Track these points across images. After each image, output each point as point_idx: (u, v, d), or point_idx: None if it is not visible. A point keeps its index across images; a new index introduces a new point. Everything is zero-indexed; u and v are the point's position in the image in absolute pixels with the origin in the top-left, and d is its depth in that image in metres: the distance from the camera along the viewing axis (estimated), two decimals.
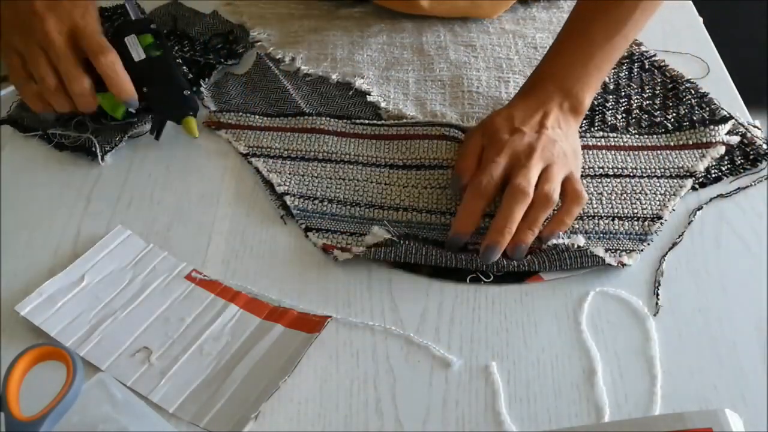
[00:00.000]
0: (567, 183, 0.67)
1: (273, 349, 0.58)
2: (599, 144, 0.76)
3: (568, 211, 0.66)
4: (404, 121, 0.79)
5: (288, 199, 0.70)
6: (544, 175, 0.66)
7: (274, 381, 0.55)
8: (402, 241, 0.65)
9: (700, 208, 0.70)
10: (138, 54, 0.75)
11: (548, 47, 0.75)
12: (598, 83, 0.73)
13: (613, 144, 0.76)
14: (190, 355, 0.58)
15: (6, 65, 0.74)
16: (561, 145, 0.69)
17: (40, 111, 0.74)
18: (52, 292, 0.62)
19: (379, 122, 0.79)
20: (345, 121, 0.79)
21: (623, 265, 0.64)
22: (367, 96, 0.83)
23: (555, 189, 0.66)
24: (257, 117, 0.80)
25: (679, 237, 0.67)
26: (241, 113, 0.80)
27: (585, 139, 0.76)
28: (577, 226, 0.68)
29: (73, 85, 0.71)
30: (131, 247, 0.66)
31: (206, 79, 0.85)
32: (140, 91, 0.74)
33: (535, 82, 0.74)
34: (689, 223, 0.68)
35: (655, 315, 0.61)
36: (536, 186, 0.66)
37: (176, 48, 0.88)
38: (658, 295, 0.63)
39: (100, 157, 0.76)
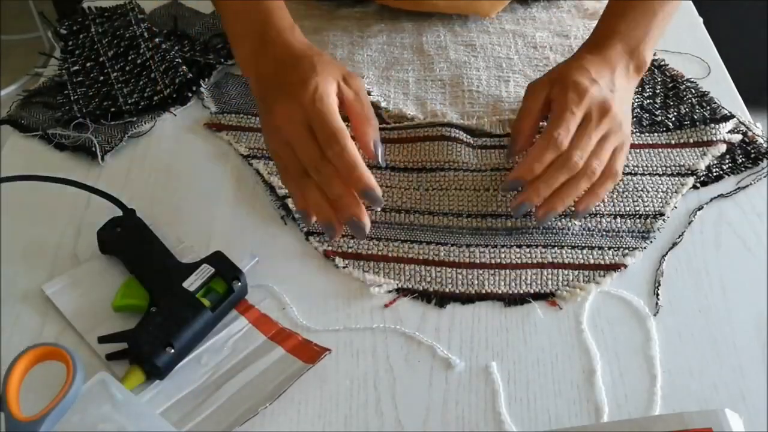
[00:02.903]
0: (612, 156, 0.67)
1: (267, 372, 0.58)
2: None
3: (603, 185, 0.66)
4: (405, 123, 0.79)
5: (290, 203, 0.70)
6: (599, 145, 0.66)
7: (255, 406, 0.55)
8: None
9: (700, 208, 0.70)
10: (193, 285, 0.62)
11: (606, 4, 0.75)
12: (657, 42, 0.73)
13: None
14: (187, 362, 0.59)
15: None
16: (625, 111, 0.68)
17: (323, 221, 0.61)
18: (77, 278, 0.64)
19: (380, 125, 0.79)
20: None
21: (624, 266, 0.64)
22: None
23: (602, 164, 0.66)
24: (258, 118, 0.80)
25: (679, 237, 0.67)
26: (242, 114, 0.80)
27: None
28: (579, 222, 0.68)
29: (317, 174, 0.61)
30: (169, 241, 0.66)
31: (206, 79, 0.85)
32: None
33: (601, 40, 0.72)
34: (689, 223, 0.68)
35: (655, 315, 0.61)
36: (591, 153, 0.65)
37: (176, 48, 0.88)
38: (658, 295, 0.63)
39: (100, 157, 0.76)
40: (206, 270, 0.62)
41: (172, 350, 0.57)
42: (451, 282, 0.64)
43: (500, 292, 0.63)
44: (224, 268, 0.62)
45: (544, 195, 0.65)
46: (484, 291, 0.63)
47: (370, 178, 0.59)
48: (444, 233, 0.68)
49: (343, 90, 0.64)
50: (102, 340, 0.58)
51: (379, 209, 0.67)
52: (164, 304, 0.60)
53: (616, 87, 0.68)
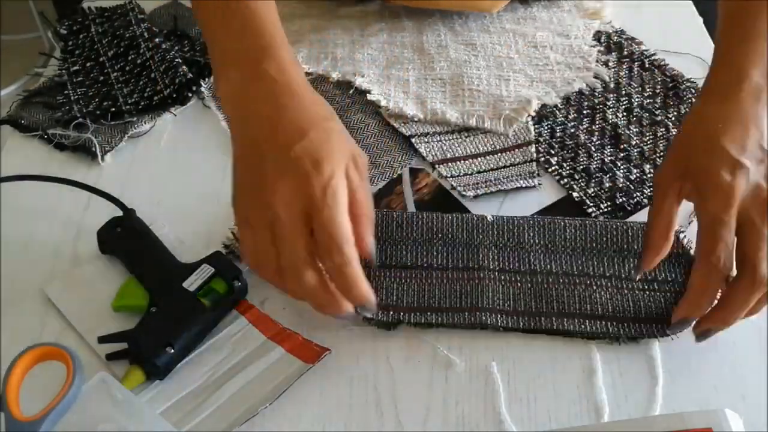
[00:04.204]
0: None
1: (267, 372, 0.58)
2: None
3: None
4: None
5: None
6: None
7: (255, 406, 0.55)
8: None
9: None
10: (193, 284, 0.61)
11: (722, 33, 0.62)
12: None
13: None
14: (187, 362, 0.59)
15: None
16: None
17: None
18: (79, 279, 0.64)
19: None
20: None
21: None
22: (368, 94, 0.83)
23: None
24: None
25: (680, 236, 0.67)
26: None
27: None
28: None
29: (295, 280, 0.53)
30: (170, 243, 0.66)
31: (206, 79, 0.85)
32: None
33: (733, 76, 0.58)
34: (689, 223, 0.68)
35: None
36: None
37: (176, 48, 0.88)
38: None
39: (100, 157, 0.76)
40: (206, 270, 0.62)
41: (172, 350, 0.57)
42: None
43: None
44: (224, 268, 0.62)
45: (732, 322, 0.55)
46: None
47: (370, 293, 0.54)
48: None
49: (350, 176, 0.54)
50: (102, 340, 0.58)
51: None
52: (164, 304, 0.60)
53: (766, 145, 0.55)
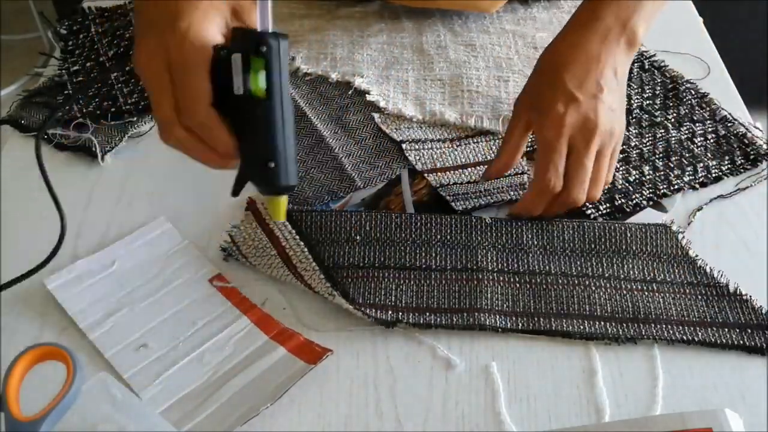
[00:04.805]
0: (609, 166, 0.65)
1: (268, 372, 0.58)
2: None
3: (596, 197, 0.66)
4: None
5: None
6: (595, 167, 0.64)
7: (256, 406, 0.55)
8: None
9: (700, 208, 0.70)
10: (237, 85, 0.52)
11: None
12: (651, 21, 0.66)
13: None
14: (189, 360, 0.59)
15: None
16: (615, 108, 0.64)
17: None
18: (81, 272, 0.64)
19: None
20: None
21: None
22: (367, 95, 0.83)
23: (602, 184, 0.65)
24: None
25: (680, 237, 0.67)
26: None
27: None
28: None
29: (168, 136, 0.53)
30: (167, 240, 0.67)
31: None
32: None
33: (586, 16, 0.65)
34: (689, 224, 0.68)
35: None
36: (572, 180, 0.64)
37: None
38: None
39: (100, 157, 0.76)
40: (236, 60, 0.51)
41: (273, 163, 0.52)
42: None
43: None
44: (246, 43, 0.51)
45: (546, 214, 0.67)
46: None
47: (230, 145, 0.52)
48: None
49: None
50: (235, 192, 0.55)
51: None
52: (236, 124, 0.53)
53: (604, 88, 0.64)
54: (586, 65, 0.64)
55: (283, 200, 0.55)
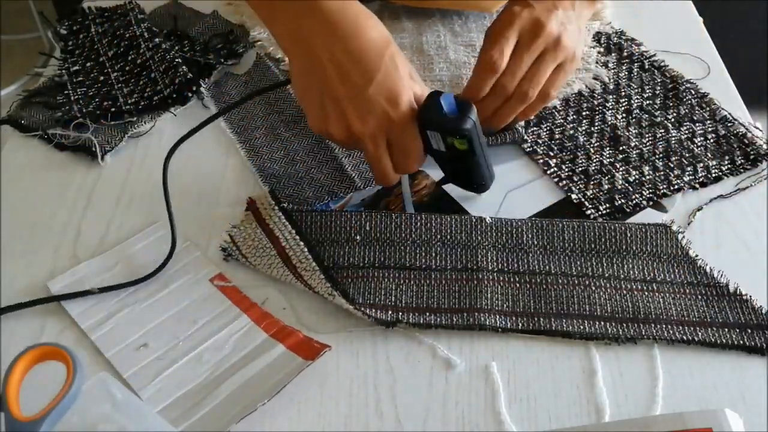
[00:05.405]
0: (550, 77, 0.70)
1: (266, 370, 0.58)
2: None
3: (534, 108, 0.72)
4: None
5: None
6: (535, 66, 0.68)
7: (253, 403, 0.55)
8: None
9: (700, 208, 0.70)
10: (437, 146, 0.65)
11: None
12: None
13: None
14: (188, 360, 0.59)
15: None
16: (568, 34, 0.69)
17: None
18: (83, 275, 0.64)
19: None
20: None
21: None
22: None
23: (537, 86, 0.69)
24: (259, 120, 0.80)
25: (680, 237, 0.67)
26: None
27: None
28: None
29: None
30: (168, 242, 0.67)
31: (206, 79, 0.85)
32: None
33: None
34: (689, 223, 0.68)
35: None
36: (524, 76, 0.69)
37: (176, 48, 0.88)
38: None
39: (100, 157, 0.76)
40: (435, 135, 0.64)
41: (485, 182, 0.69)
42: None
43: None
44: (441, 123, 0.63)
45: (485, 116, 0.69)
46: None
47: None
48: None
49: (413, 88, 0.63)
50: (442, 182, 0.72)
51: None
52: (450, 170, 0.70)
53: (558, 5, 0.69)
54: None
55: None
